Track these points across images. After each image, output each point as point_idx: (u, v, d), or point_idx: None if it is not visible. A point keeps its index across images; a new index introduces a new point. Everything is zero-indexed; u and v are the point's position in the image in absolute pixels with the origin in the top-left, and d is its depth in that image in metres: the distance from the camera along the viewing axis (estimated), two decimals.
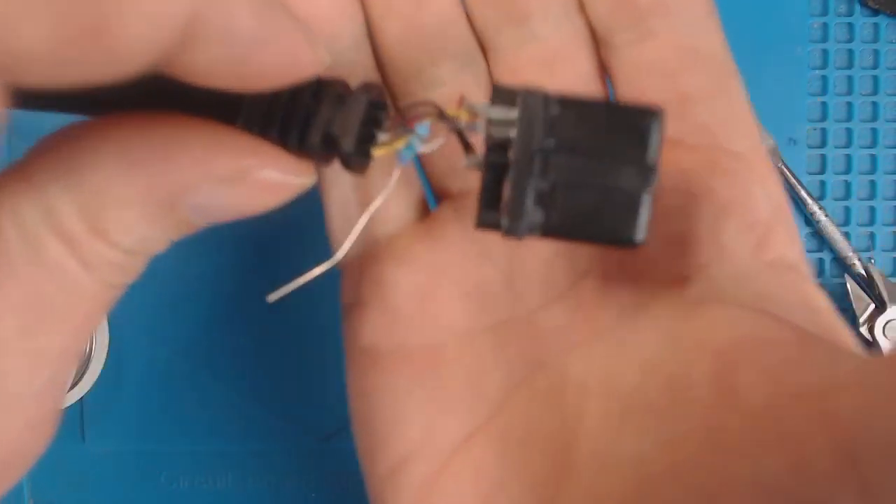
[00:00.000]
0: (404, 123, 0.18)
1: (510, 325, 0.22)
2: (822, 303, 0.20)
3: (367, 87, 0.18)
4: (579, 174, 0.17)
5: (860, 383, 0.15)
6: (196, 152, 0.16)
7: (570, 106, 0.17)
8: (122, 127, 0.15)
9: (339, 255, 0.20)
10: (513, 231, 0.17)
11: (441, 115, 0.18)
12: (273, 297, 0.19)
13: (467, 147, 0.18)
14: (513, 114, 0.17)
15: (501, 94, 0.17)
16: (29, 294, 0.15)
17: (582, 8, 0.21)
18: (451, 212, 0.23)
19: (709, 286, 0.20)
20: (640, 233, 0.17)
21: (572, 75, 0.22)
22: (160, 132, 0.15)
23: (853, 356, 0.17)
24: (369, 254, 0.23)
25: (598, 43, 0.22)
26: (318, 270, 0.19)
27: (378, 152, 0.18)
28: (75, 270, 0.15)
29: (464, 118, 0.18)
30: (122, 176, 0.15)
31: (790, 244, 0.21)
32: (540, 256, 0.22)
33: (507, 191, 0.17)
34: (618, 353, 0.21)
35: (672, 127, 0.19)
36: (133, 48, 0.12)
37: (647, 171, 0.17)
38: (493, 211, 0.17)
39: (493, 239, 0.22)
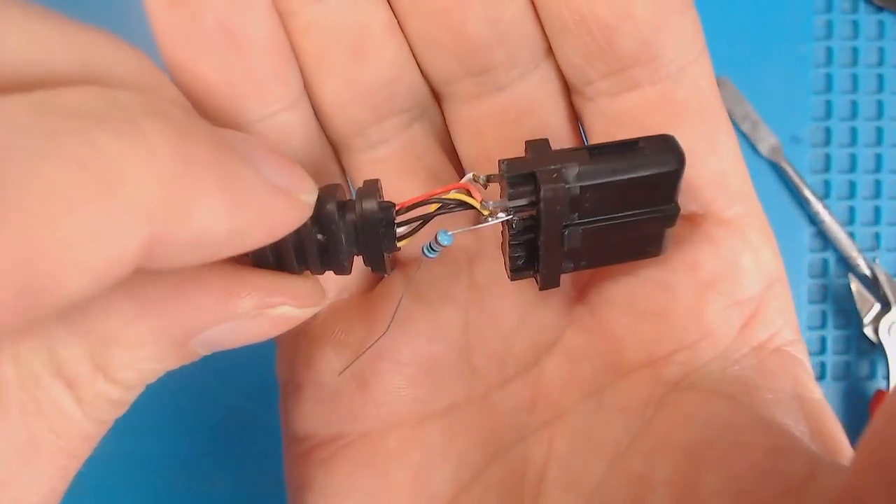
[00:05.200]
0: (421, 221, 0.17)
1: (464, 407, 0.20)
2: (814, 393, 0.18)
3: (369, 189, 0.17)
4: (608, 232, 0.17)
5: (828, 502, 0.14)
6: (216, 293, 0.15)
7: (591, 165, 0.17)
8: None
9: (385, 331, 0.19)
10: (549, 284, 0.18)
11: (461, 205, 0.17)
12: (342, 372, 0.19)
13: (481, 209, 0.18)
14: (532, 198, 0.17)
15: (514, 170, 0.17)
16: (13, 440, 0.14)
17: (551, 52, 0.18)
18: (400, 281, 0.21)
19: (688, 369, 0.18)
20: (665, 250, 0.18)
21: (541, 127, 0.19)
22: (175, 270, 0.14)
23: (830, 467, 0.16)
24: (304, 329, 0.21)
25: (570, 90, 0.19)
26: (371, 344, 0.19)
27: (402, 243, 0.17)
28: (71, 410, 0.14)
29: (483, 212, 0.17)
30: (136, 319, 0.14)
31: (783, 324, 0.19)
32: (500, 331, 0.20)
33: (540, 264, 0.17)
34: (582, 440, 0.19)
35: None
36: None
37: (671, 211, 0.17)
38: (523, 269, 0.18)
39: (447, 312, 0.20)
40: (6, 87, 0.12)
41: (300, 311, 0.16)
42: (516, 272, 0.18)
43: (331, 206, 0.16)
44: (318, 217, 0.16)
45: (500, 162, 0.17)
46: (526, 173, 0.16)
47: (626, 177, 0.16)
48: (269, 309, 0.15)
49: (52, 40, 0.13)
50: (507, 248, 0.18)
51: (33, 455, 0.14)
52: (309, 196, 0.15)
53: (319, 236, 0.16)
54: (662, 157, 0.17)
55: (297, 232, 0.16)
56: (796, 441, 0.17)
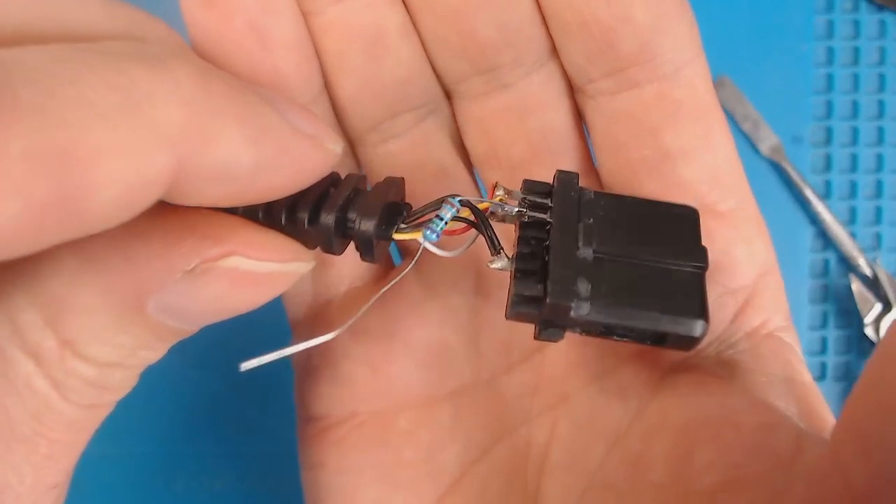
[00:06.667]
0: (426, 222, 0.17)
1: (471, 391, 0.21)
2: (804, 376, 0.19)
3: (390, 182, 0.18)
4: (625, 247, 0.16)
5: (813, 480, 0.15)
6: (157, 242, 0.14)
7: (604, 194, 0.17)
8: None
9: (333, 334, 0.18)
10: (558, 297, 0.15)
11: (469, 206, 0.17)
12: (247, 365, 0.16)
13: (493, 244, 0.17)
14: (546, 192, 0.17)
15: (533, 186, 0.17)
16: None
17: (555, 53, 0.19)
18: (413, 269, 0.21)
19: (685, 354, 0.19)
20: (704, 327, 0.16)
21: (545, 124, 0.20)
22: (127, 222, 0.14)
23: (816, 441, 0.16)
24: (320, 315, 0.22)
25: (573, 89, 0.20)
26: (303, 346, 0.17)
27: (398, 236, 0.17)
28: (45, 390, 0.13)
29: (496, 199, 0.17)
30: (82, 278, 0.13)
31: (775, 311, 0.20)
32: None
33: (550, 263, 0.16)
34: (584, 422, 0.20)
35: (650, 185, 0.19)
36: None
37: (699, 255, 0.17)
38: (531, 282, 0.16)
39: (456, 300, 0.21)
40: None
41: (260, 265, 0.15)
42: (521, 283, 0.16)
43: (351, 178, 0.17)
44: (336, 181, 0.17)
45: (524, 181, 0.17)
46: (542, 182, 0.17)
47: (639, 197, 0.17)
48: (220, 261, 0.14)
49: (96, 11, 0.14)
50: (514, 258, 0.16)
51: (11, 438, 0.13)
52: (334, 145, 0.15)
53: (331, 190, 0.17)
54: (677, 203, 0.17)
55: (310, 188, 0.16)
56: (786, 419, 0.18)
